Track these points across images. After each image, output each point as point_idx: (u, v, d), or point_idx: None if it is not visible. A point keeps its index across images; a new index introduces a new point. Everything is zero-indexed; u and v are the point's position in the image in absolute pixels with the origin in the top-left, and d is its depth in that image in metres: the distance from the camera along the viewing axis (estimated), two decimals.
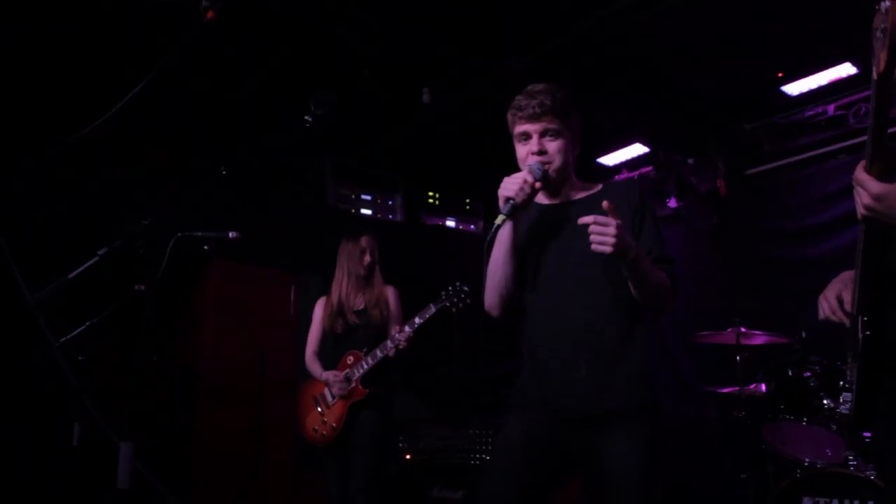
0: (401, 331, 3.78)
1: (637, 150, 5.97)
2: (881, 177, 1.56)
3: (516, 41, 4.58)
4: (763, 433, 3.79)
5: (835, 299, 1.98)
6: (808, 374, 3.48)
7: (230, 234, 3.63)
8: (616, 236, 1.98)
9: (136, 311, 3.16)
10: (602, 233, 1.99)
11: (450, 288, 3.76)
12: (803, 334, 3.78)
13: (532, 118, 2.23)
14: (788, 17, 4.22)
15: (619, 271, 2.10)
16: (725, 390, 4.33)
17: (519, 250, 2.29)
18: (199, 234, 3.51)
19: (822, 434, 3.57)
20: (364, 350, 3.86)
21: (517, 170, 2.26)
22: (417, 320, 3.76)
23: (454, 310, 3.72)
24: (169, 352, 4.90)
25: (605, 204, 2.02)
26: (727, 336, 4.20)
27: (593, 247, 2.01)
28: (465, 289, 3.72)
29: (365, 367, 3.81)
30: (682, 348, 5.54)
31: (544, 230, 2.32)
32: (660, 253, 2.23)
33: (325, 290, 4.10)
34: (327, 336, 4.02)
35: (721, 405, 4.70)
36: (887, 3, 1.41)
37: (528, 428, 2.20)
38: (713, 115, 5.47)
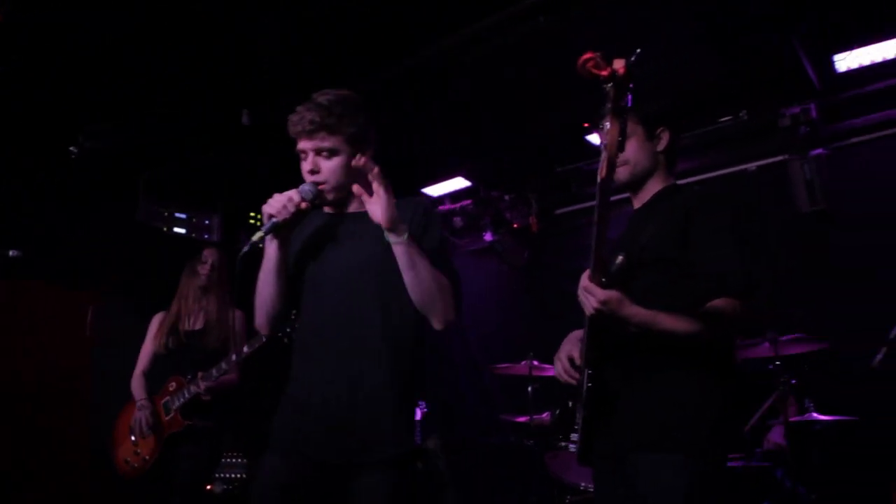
0: (218, 367, 3.39)
1: (459, 183, 6.20)
2: (601, 284, 1.89)
3: (349, 69, 4.61)
4: (545, 460, 4.04)
5: (567, 360, 2.21)
6: None
7: (10, 253, 3.42)
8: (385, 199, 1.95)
9: None
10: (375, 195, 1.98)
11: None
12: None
13: (305, 135, 2.09)
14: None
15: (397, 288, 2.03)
16: (520, 419, 4.57)
17: (293, 263, 2.18)
18: None
19: None
20: (189, 376, 3.49)
21: None
22: (234, 357, 3.39)
23: (286, 340, 3.41)
24: None
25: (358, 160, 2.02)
26: (521, 368, 4.45)
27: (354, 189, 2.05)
28: None
29: (186, 395, 3.44)
30: (492, 378, 5.78)
31: (319, 243, 2.20)
32: (440, 258, 2.09)
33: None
34: (158, 355, 3.66)
35: (519, 433, 4.95)
36: (608, 124, 1.63)
37: (287, 470, 2.02)
38: (529, 157, 5.81)
